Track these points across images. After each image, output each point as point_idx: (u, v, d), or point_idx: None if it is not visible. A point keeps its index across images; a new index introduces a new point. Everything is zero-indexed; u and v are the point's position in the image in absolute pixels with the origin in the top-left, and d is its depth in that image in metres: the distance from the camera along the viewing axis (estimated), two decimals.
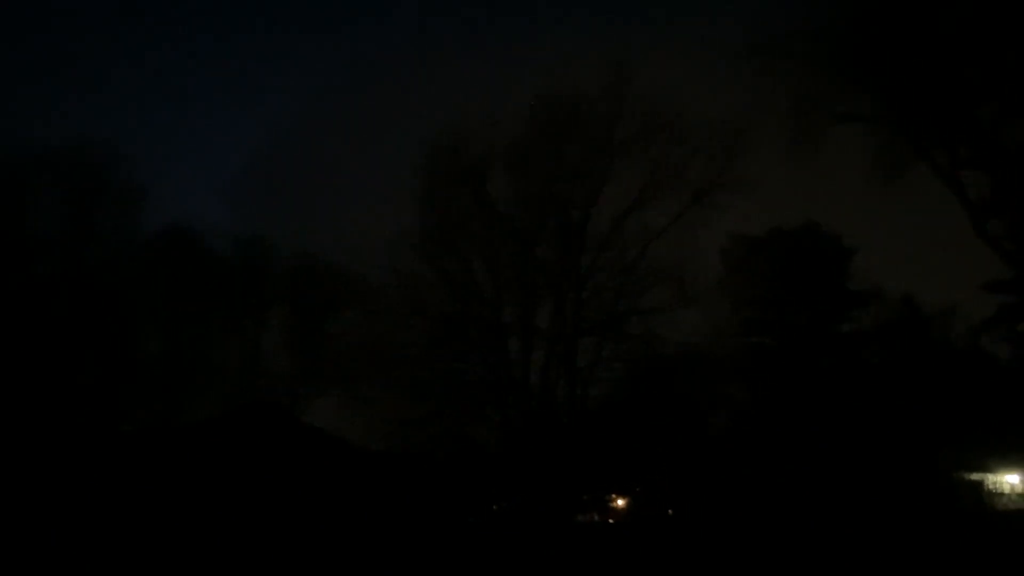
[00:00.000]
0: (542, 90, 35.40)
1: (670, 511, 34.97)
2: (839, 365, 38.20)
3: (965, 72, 28.23)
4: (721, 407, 38.37)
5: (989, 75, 27.87)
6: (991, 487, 32.06)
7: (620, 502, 37.17)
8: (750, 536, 26.72)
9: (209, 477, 30.21)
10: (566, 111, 35.04)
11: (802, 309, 40.54)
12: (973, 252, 29.77)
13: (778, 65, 28.86)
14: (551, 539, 29.08)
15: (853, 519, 26.56)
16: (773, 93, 29.11)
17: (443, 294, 35.51)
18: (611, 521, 36.15)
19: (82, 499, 29.48)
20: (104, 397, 38.81)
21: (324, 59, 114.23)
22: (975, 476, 31.90)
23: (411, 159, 36.49)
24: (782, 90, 29.02)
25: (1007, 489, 32.43)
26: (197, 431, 35.33)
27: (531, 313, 35.11)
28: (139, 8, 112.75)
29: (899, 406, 32.61)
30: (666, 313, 34.15)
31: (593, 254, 34.91)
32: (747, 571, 23.44)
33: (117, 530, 27.15)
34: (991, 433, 31.03)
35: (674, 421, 34.41)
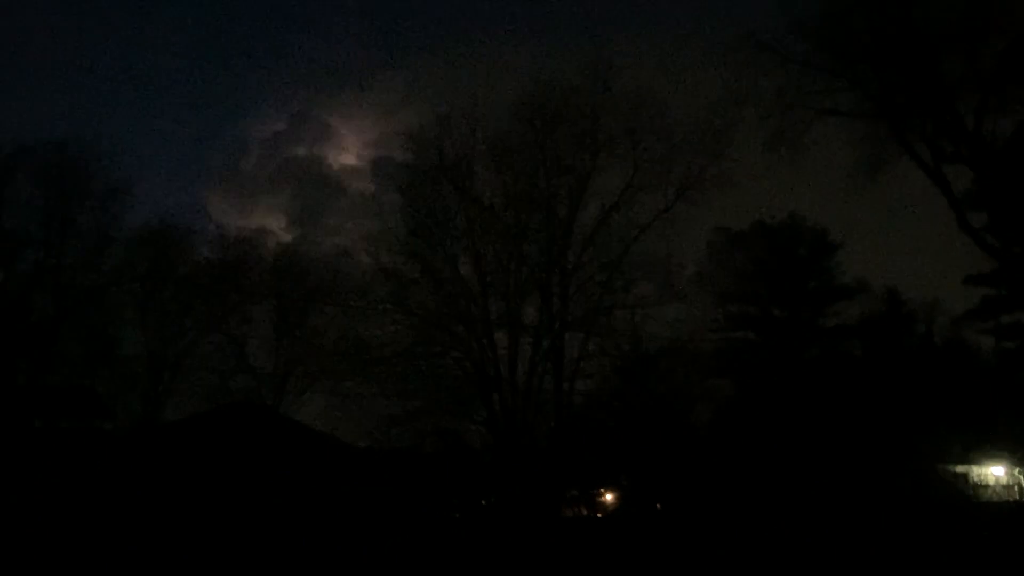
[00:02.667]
0: (527, 86, 35.29)
1: (658, 505, 35.08)
2: (823, 359, 38.47)
3: (946, 66, 28.35)
4: (706, 401, 38.54)
5: (970, 69, 28.01)
6: (976, 479, 32.32)
7: (608, 496, 37.25)
8: (737, 529, 26.80)
9: (194, 475, 30.02)
10: (551, 106, 34.95)
11: (786, 303, 40.84)
12: (956, 246, 29.97)
13: (760, 60, 28.88)
14: (538, 534, 29.06)
15: (838, 511, 26.70)
16: (756, 88, 29.14)
17: (428, 290, 35.37)
18: (599, 515, 36.21)
19: (63, 498, 29.22)
20: (85, 395, 38.49)
21: (307, 55, 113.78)
22: (960, 468, 32.15)
23: (396, 154, 36.34)
24: (765, 85, 29.06)
25: (992, 481, 32.70)
26: (181, 429, 35.14)
27: (517, 308, 35.03)
28: (124, 5, 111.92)
29: (883, 399, 32.83)
30: (652, 308, 34.18)
31: (579, 249, 34.86)
32: (735, 565, 23.48)
33: (98, 529, 26.92)
34: (975, 426, 31.28)
35: (660, 415, 34.49)
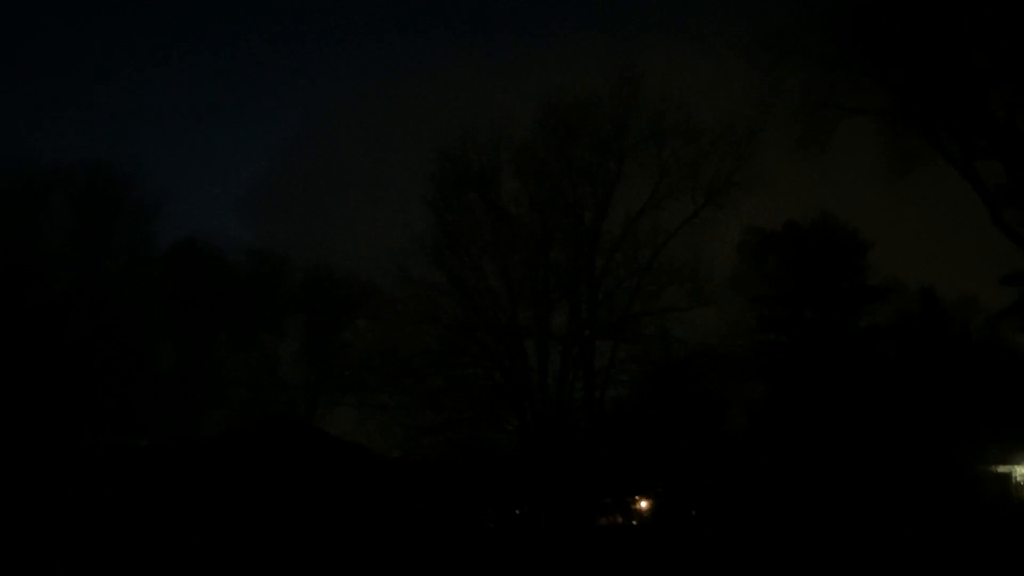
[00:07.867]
0: (551, 93, 35.31)
1: (693, 512, 34.77)
2: (857, 360, 37.89)
3: (975, 59, 27.93)
4: (739, 406, 38.14)
5: (1000, 61, 27.58)
6: (1019, 479, 31.68)
7: (643, 504, 36.97)
8: (774, 535, 26.50)
9: (231, 490, 30.25)
10: (576, 113, 34.93)
11: (818, 304, 40.28)
12: (991, 242, 29.45)
13: (787, 60, 28.63)
14: (574, 542, 28.92)
15: (878, 515, 26.33)
16: (783, 88, 28.90)
17: (457, 300, 35.42)
18: (634, 523, 35.96)
19: (100, 514, 29.52)
20: (121, 412, 38.93)
21: (335, 71, 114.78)
22: (1002, 469, 31.53)
23: (422, 166, 36.55)
24: (792, 85, 28.81)
25: None
26: (217, 444, 35.40)
27: (546, 317, 34.96)
28: (154, 23, 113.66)
29: (919, 400, 32.33)
30: (681, 313, 33.94)
31: (607, 256, 34.73)
32: (773, 571, 23.22)
33: (137, 547, 27.16)
34: (1015, 425, 30.69)
35: (692, 421, 34.22)
